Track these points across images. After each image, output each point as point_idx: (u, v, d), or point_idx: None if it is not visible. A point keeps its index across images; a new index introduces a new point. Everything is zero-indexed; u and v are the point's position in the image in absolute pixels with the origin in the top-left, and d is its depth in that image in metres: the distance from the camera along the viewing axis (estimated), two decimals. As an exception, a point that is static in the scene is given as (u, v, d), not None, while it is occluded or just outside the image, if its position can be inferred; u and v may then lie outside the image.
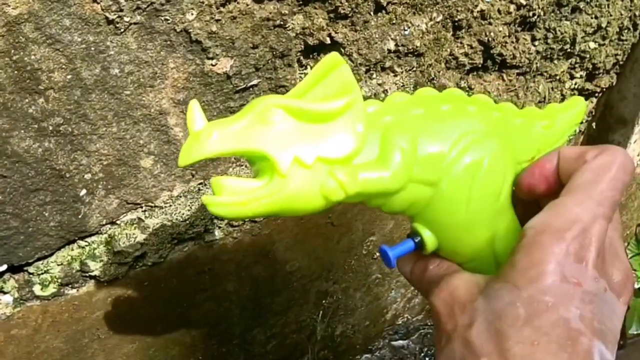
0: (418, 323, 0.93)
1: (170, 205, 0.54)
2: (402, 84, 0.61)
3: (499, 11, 0.60)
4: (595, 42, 0.71)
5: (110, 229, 0.52)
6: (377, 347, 0.89)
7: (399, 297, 0.87)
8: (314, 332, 0.78)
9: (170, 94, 0.47)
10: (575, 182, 0.29)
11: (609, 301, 0.28)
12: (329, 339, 0.81)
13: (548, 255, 0.27)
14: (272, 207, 0.29)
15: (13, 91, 0.40)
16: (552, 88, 0.74)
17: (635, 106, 0.83)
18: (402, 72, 0.60)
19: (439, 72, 0.63)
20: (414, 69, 0.60)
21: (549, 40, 0.66)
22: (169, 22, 0.43)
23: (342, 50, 0.54)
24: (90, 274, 0.52)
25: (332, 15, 0.51)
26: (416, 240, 0.34)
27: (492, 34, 0.61)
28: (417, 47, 0.58)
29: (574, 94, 0.78)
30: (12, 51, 0.39)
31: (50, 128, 0.43)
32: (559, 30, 0.66)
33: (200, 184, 0.55)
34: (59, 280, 0.51)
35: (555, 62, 0.70)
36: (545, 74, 0.71)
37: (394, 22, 0.55)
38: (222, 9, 0.45)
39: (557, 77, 0.73)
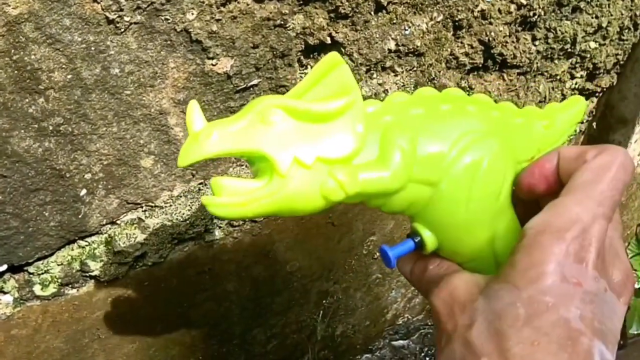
0: (418, 323, 0.93)
1: (171, 205, 0.54)
2: (402, 84, 0.61)
3: (499, 11, 0.60)
4: (596, 41, 0.71)
5: (110, 228, 0.52)
6: (377, 347, 0.89)
7: (399, 297, 0.87)
8: (314, 332, 0.78)
9: (171, 93, 0.47)
10: (575, 181, 0.29)
11: (609, 301, 0.28)
12: (329, 338, 0.81)
13: (548, 255, 0.27)
14: (271, 208, 0.29)
15: (13, 91, 0.40)
16: (553, 88, 0.74)
17: (636, 106, 0.83)
18: (402, 72, 0.60)
19: (439, 71, 0.63)
20: (415, 68, 0.60)
21: (550, 40, 0.66)
22: (169, 21, 0.43)
23: (343, 50, 0.54)
24: (90, 273, 0.52)
25: (332, 15, 0.51)
26: (416, 240, 0.34)
27: (492, 33, 0.61)
28: (417, 46, 0.58)
29: (575, 94, 0.78)
30: (12, 51, 0.39)
31: (51, 128, 0.43)
32: (560, 30, 0.66)
33: (201, 183, 0.55)
34: (59, 280, 0.51)
35: (556, 61, 0.70)
36: (545, 73, 0.71)
37: (394, 21, 0.55)
38: (222, 8, 0.45)
39: (558, 77, 0.73)
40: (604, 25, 0.69)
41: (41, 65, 0.40)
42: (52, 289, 0.51)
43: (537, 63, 0.68)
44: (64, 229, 0.48)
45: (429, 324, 0.93)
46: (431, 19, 0.57)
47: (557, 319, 0.26)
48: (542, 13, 0.63)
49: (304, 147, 0.29)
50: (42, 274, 0.50)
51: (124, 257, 0.53)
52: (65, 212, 0.47)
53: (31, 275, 0.50)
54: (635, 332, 1.09)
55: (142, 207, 0.52)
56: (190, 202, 0.55)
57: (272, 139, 0.28)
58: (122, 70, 0.44)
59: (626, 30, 0.73)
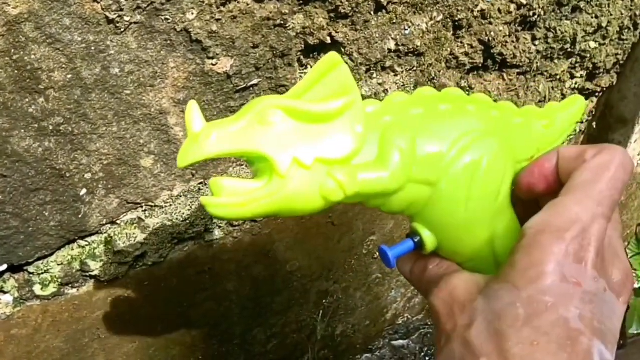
0: (418, 323, 0.93)
1: (171, 205, 0.54)
2: (402, 84, 0.61)
3: (499, 11, 0.60)
4: (596, 41, 0.71)
5: (110, 228, 0.52)
6: (377, 347, 0.89)
7: (399, 296, 0.87)
8: (314, 331, 0.78)
9: (171, 93, 0.47)
10: (575, 181, 0.29)
11: (609, 301, 0.28)
12: (329, 338, 0.81)
13: (548, 255, 0.27)
14: (271, 208, 0.29)
15: (13, 91, 0.40)
16: (553, 88, 0.74)
17: (636, 106, 0.83)
18: (402, 72, 0.60)
19: (439, 71, 0.63)
20: (415, 68, 0.60)
21: (550, 40, 0.66)
22: (169, 21, 0.43)
23: (343, 50, 0.54)
24: (90, 273, 0.52)
25: (332, 14, 0.51)
26: (416, 240, 0.34)
27: (492, 33, 0.61)
28: (417, 46, 0.58)
29: (575, 94, 0.78)
30: (12, 51, 0.39)
31: (51, 128, 0.43)
32: (560, 30, 0.66)
33: (201, 183, 0.55)
34: (59, 280, 0.51)
35: (556, 61, 0.70)
36: (545, 73, 0.71)
37: (394, 21, 0.55)
38: (222, 8, 0.45)
39: (558, 77, 0.73)
40: (603, 25, 0.69)
41: (41, 65, 0.40)
42: (52, 289, 0.51)
43: (537, 63, 0.68)
44: (64, 228, 0.48)
45: (429, 323, 0.93)
46: (431, 19, 0.57)
47: (556, 318, 0.26)
48: (542, 13, 0.63)
49: (303, 147, 0.29)
50: (42, 273, 0.50)
51: (124, 256, 0.53)
52: (65, 211, 0.47)
53: (31, 275, 0.50)
54: (635, 332, 1.09)
55: (142, 206, 0.52)
56: (190, 202, 0.55)
57: (271, 139, 0.28)
58: (122, 70, 0.44)
59: (626, 30, 0.73)
